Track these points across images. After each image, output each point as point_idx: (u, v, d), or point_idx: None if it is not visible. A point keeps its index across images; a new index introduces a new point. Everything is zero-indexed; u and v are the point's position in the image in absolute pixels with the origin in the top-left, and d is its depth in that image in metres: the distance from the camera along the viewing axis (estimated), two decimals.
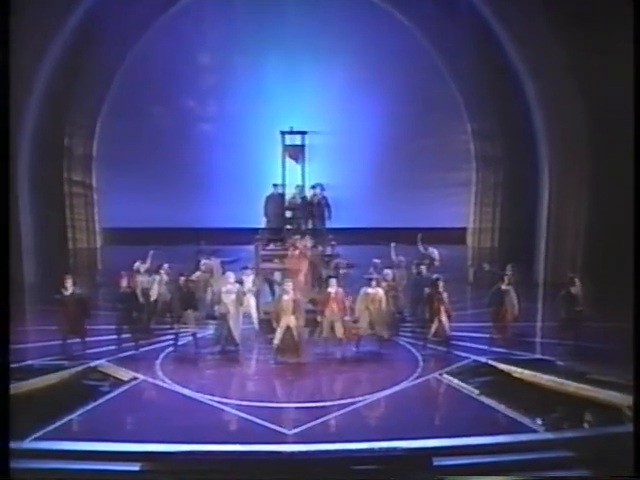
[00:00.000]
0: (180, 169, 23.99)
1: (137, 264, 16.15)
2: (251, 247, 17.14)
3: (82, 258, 24.20)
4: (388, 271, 15.58)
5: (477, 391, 11.98)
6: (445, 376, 12.83)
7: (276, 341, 13.64)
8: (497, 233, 25.17)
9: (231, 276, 14.45)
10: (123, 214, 24.02)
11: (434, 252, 17.05)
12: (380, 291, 14.33)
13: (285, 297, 13.70)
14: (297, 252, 16.07)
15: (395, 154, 24.31)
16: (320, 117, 20.46)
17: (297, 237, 16.64)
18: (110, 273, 17.11)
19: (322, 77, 23.12)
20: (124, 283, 14.38)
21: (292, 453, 9.62)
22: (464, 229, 26.27)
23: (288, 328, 13.60)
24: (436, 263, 16.79)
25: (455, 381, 12.56)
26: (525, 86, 21.56)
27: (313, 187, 17.35)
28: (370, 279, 14.55)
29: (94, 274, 22.14)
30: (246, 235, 18.00)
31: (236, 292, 14.17)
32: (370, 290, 14.24)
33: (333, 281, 14.26)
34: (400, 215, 23.77)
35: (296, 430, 10.35)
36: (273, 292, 16.37)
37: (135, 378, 12.67)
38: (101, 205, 25.31)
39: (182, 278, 14.65)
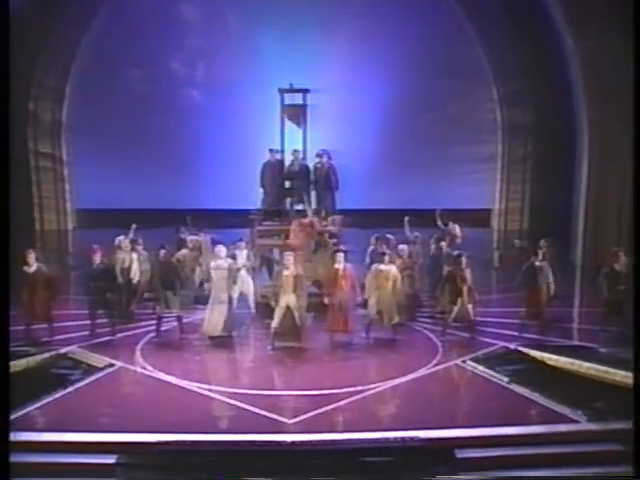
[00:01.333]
0: (164, 141, 23.88)
1: (118, 239, 16.03)
2: (247, 230, 17.08)
3: (51, 241, 24.07)
4: (403, 247, 15.43)
5: (507, 379, 11.83)
6: (469, 363, 12.72)
7: (274, 324, 13.46)
8: (527, 213, 25.09)
9: (222, 250, 14.19)
10: (98, 192, 23.91)
11: (455, 228, 16.92)
12: (394, 268, 14.21)
13: (285, 272, 13.50)
14: (304, 226, 15.96)
15: (408, 124, 24.16)
16: (324, 74, 20.31)
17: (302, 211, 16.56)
18: (84, 256, 16.66)
19: (327, 32, 22.95)
20: (97, 258, 14.22)
21: (293, 443, 9.49)
22: (488, 210, 26.12)
23: (288, 309, 13.42)
24: (458, 240, 16.69)
25: (480, 368, 12.44)
26: (562, 44, 21.28)
27: (319, 155, 17.14)
28: (383, 254, 14.42)
29: (65, 257, 21.96)
30: (241, 217, 17.90)
31: (228, 268, 13.95)
32: (383, 267, 14.11)
33: (340, 256, 14.07)
34: (414, 194, 23.54)
35: (297, 419, 10.21)
36: (271, 273, 16.20)
37: (111, 365, 12.57)
38: (73, 181, 25.18)
39: (163, 251, 14.44)
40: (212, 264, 14.05)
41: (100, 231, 20.09)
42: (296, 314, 13.41)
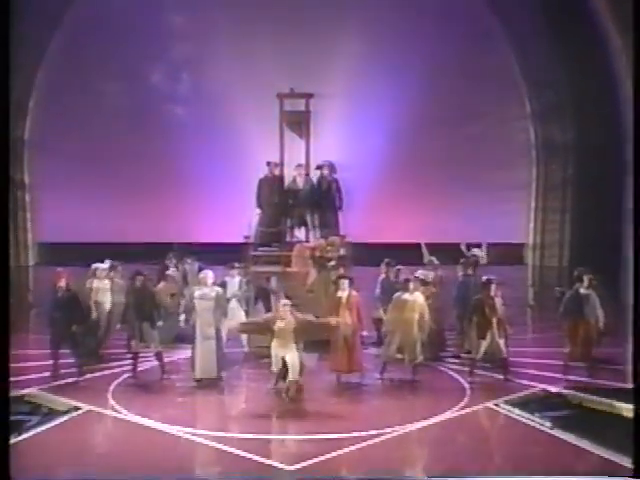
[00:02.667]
0: (142, 163, 23.91)
1: (95, 266, 15.89)
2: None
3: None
4: (424, 272, 15.16)
5: (549, 424, 11.60)
6: (503, 406, 12.51)
7: (274, 368, 12.98)
8: (567, 247, 24.85)
9: (209, 275, 13.88)
10: (65, 223, 23.74)
11: (480, 251, 16.75)
12: (420, 298, 13.91)
13: (280, 324, 12.77)
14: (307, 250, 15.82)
15: (424, 142, 24.02)
16: (330, 78, 20.31)
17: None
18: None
19: (333, 30, 22.95)
20: (62, 284, 13.96)
21: None
22: (521, 245, 25.95)
23: (282, 359, 12.90)
24: (482, 261, 16.51)
25: (517, 412, 12.25)
26: (608, 45, 21.18)
27: (319, 167, 17.03)
28: (407, 280, 14.13)
29: (24, 294, 21.78)
30: (236, 253, 17.58)
31: (215, 298, 13.64)
32: (408, 296, 13.82)
33: (345, 282, 13.81)
34: (431, 225, 23.31)
35: (298, 466, 9.98)
36: (269, 308, 15.90)
37: (77, 408, 12.36)
38: (36, 209, 25.04)
39: (140, 277, 14.18)
40: (197, 293, 13.70)
41: (66, 269, 19.93)
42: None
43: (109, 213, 23.76)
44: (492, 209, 24.58)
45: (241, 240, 17.08)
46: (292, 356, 12.69)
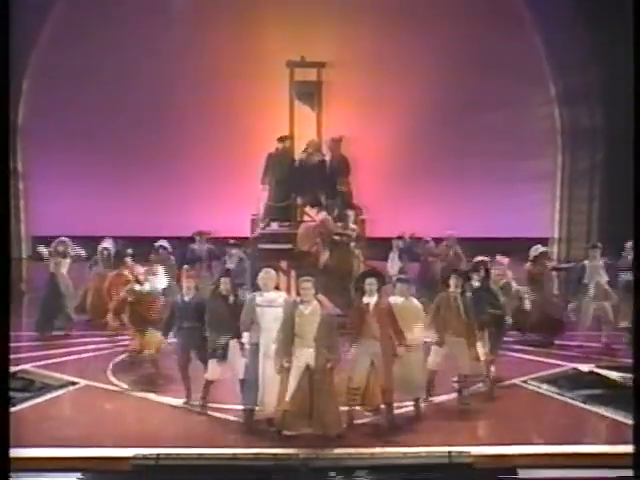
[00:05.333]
0: (144, 153, 23.63)
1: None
2: None
3: None
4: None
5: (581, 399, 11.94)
6: (531, 382, 12.86)
7: (287, 399, 10.52)
8: (595, 239, 24.53)
9: (272, 276, 11.24)
10: (63, 216, 23.53)
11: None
12: (419, 306, 11.98)
13: (303, 309, 10.66)
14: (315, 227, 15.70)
15: (441, 129, 23.79)
16: (344, 45, 20.26)
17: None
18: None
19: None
20: (191, 283, 12.42)
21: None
22: (545, 240, 25.68)
23: (307, 370, 10.55)
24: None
25: (545, 387, 12.61)
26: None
27: (331, 141, 17.03)
28: (400, 281, 12.29)
29: (18, 285, 21.90)
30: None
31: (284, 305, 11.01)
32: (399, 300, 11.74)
33: (372, 283, 11.14)
34: (447, 218, 23.03)
35: None
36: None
37: (73, 383, 12.73)
38: (30, 199, 24.94)
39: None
40: (258, 299, 11.05)
41: None
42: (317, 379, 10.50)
43: (108, 205, 23.44)
44: (513, 202, 24.34)
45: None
46: (309, 354, 10.50)
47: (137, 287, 13.01)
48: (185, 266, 13.50)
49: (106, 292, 15.03)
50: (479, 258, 13.71)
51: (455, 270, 12.80)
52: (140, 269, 13.52)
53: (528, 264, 16.51)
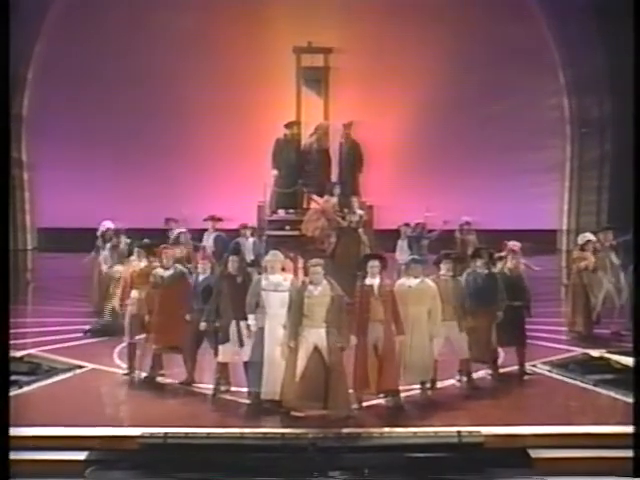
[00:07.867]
0: (149, 140, 23.66)
1: None
2: None
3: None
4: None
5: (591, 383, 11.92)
6: (540, 366, 12.77)
7: (297, 380, 10.57)
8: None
9: (279, 257, 11.24)
10: (69, 207, 23.55)
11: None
12: (434, 287, 11.73)
13: (312, 289, 10.68)
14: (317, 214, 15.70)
15: (451, 117, 23.78)
16: (351, 31, 20.22)
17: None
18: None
19: None
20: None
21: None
22: (553, 232, 25.68)
23: (316, 351, 10.58)
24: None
25: (555, 371, 12.61)
26: None
27: (343, 126, 17.04)
28: (414, 261, 12.07)
29: (24, 275, 22.16)
30: None
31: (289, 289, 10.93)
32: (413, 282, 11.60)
33: (375, 265, 11.11)
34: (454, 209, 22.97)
35: None
36: None
37: (80, 367, 12.70)
38: (35, 191, 25.01)
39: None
40: (263, 282, 10.97)
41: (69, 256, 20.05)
42: (327, 358, 10.50)
43: (114, 196, 23.41)
44: (522, 193, 24.32)
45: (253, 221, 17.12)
46: (320, 335, 10.54)
47: (166, 273, 12.45)
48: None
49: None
50: (479, 246, 13.95)
51: (447, 255, 12.55)
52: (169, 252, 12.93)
53: (576, 252, 16.38)
